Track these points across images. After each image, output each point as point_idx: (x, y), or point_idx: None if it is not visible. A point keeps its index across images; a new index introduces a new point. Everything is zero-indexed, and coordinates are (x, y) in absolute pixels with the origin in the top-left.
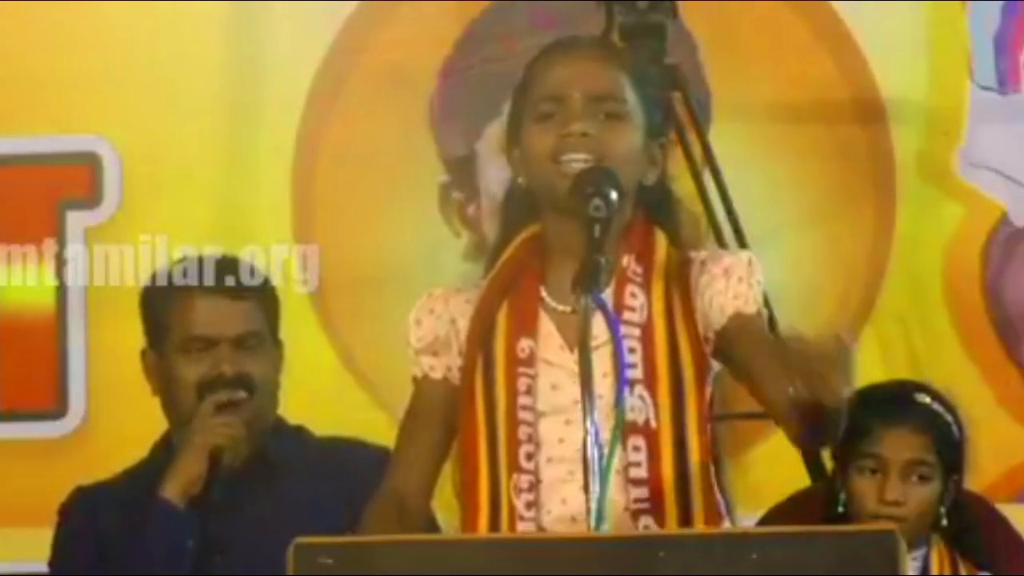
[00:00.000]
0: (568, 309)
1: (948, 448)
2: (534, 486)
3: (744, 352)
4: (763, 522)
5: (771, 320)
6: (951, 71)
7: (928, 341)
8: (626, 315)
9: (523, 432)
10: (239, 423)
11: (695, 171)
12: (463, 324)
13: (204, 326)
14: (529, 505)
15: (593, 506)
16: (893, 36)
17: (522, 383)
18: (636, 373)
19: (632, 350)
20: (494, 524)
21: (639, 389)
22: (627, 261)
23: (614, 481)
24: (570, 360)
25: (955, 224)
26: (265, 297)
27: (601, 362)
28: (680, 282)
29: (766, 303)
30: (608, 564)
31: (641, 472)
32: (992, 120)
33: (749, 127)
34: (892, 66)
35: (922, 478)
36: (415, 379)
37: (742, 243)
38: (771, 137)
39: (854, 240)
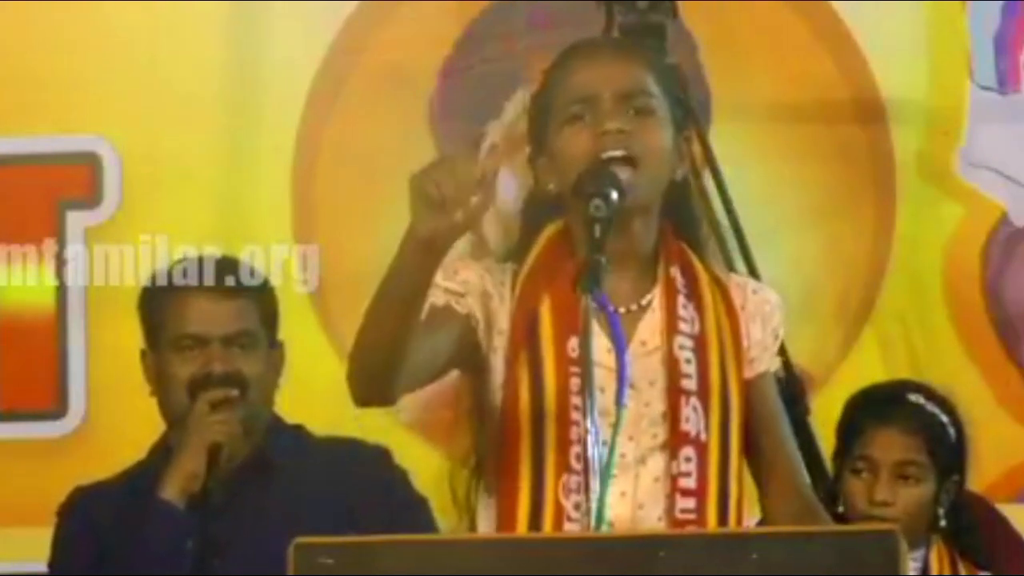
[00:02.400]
0: (611, 308)
1: (942, 449)
2: (583, 487)
3: (754, 415)
4: (762, 523)
5: (783, 352)
6: (951, 71)
7: (928, 341)
8: (680, 325)
9: (574, 432)
10: (235, 420)
11: (695, 171)
12: (498, 306)
13: (196, 324)
14: (578, 506)
15: (593, 506)
16: (893, 36)
17: (574, 383)
18: (690, 384)
19: (687, 361)
20: (535, 523)
21: (693, 401)
22: (673, 272)
23: (653, 488)
24: (616, 362)
25: (955, 224)
26: (261, 297)
27: (650, 369)
28: (726, 303)
29: (781, 350)
30: (608, 564)
31: (690, 483)
32: (992, 120)
33: (749, 127)
34: (892, 66)
35: (912, 479)
36: (433, 307)
37: (742, 243)
38: (771, 137)
39: (854, 240)
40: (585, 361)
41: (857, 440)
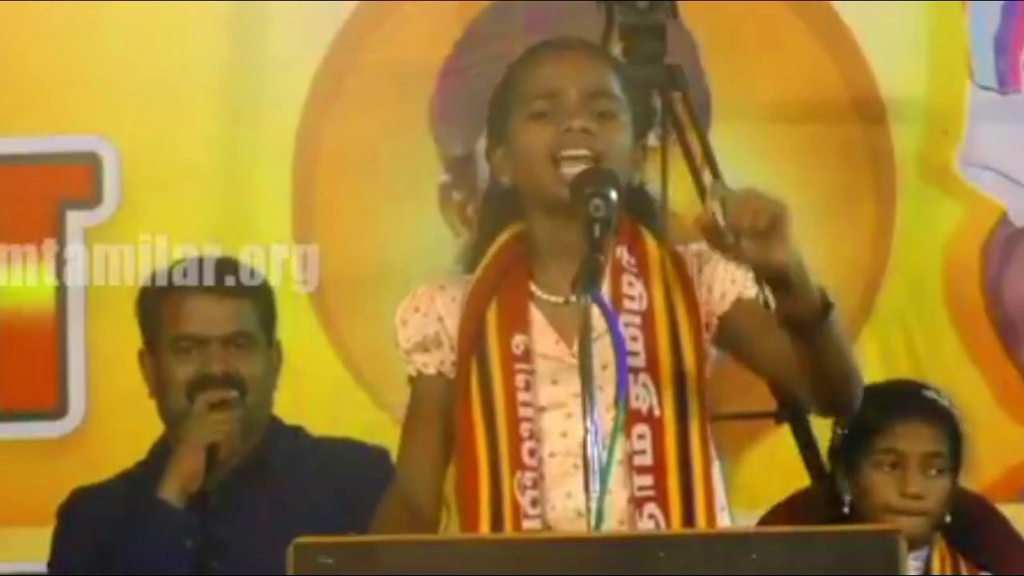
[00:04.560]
0: (560, 300)
1: (957, 443)
2: (538, 482)
3: (750, 333)
4: (762, 523)
5: (765, 303)
6: (951, 71)
7: (928, 341)
8: (626, 303)
9: (524, 429)
10: (234, 420)
11: (695, 171)
12: (451, 323)
13: (193, 325)
14: (534, 502)
15: (593, 506)
16: (893, 36)
17: (520, 379)
18: (638, 361)
19: (633, 338)
20: (496, 523)
21: (642, 377)
22: (620, 252)
23: (618, 473)
24: (566, 353)
25: (955, 224)
26: (259, 297)
27: (600, 354)
28: (678, 273)
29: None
30: (608, 564)
31: (646, 460)
32: (992, 120)
33: (749, 127)
34: (892, 66)
35: (940, 470)
36: (410, 378)
37: None
38: (771, 137)
39: (854, 240)
40: (584, 363)
41: (876, 436)
